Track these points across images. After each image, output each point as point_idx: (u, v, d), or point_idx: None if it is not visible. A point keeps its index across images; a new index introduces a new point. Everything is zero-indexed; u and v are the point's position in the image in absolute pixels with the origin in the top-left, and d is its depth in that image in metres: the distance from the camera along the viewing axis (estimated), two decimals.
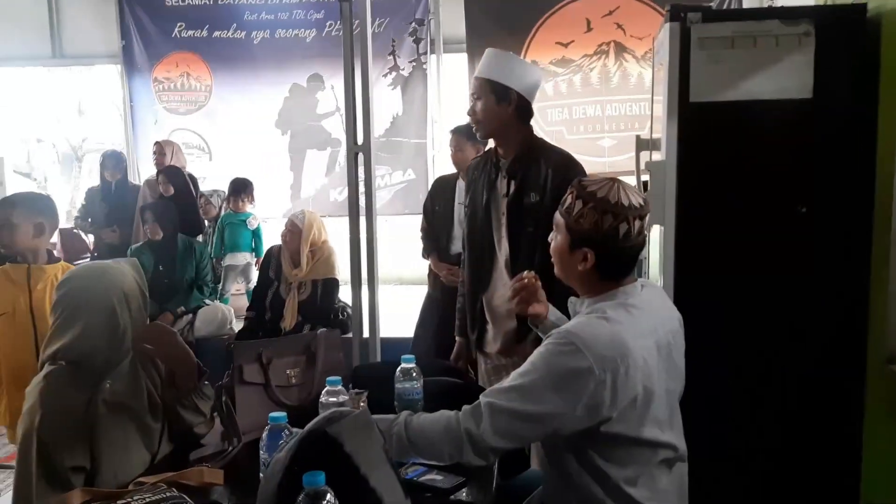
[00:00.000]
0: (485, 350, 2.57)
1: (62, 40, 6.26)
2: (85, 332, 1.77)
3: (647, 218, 1.62)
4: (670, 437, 1.63)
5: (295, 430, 1.52)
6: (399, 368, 1.85)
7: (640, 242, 1.64)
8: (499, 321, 2.49)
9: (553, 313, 1.98)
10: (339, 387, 1.69)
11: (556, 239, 1.70)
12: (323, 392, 1.69)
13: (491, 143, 2.56)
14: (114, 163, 5.42)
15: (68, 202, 10.52)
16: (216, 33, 6.09)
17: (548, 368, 1.50)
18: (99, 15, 6.16)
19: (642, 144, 2.72)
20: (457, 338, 2.72)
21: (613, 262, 1.63)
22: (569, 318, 1.81)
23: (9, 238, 2.65)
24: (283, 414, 1.47)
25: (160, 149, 5.40)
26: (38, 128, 14.62)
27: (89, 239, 5.81)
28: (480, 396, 1.55)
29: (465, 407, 1.56)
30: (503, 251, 2.44)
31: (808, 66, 2.25)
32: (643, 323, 1.60)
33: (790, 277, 2.34)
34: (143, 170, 6.15)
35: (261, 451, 1.45)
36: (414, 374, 1.84)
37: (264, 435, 1.46)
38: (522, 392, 1.50)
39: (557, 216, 1.68)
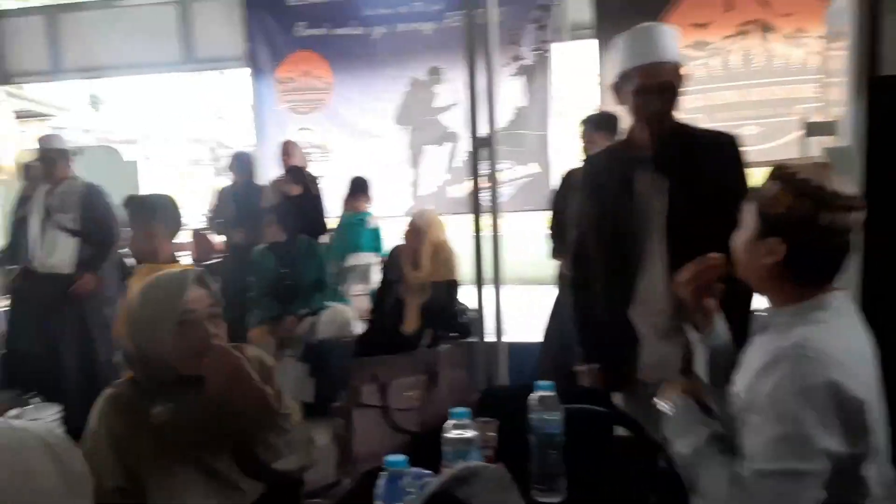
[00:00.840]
0: (631, 377, 2.15)
1: (193, 45, 6.41)
2: (132, 341, 1.63)
3: (859, 214, 1.26)
4: None
5: (414, 470, 1.31)
6: (536, 396, 1.58)
7: (845, 243, 1.28)
8: (656, 340, 2.10)
9: (722, 323, 1.58)
10: (467, 419, 1.46)
11: (741, 229, 1.37)
12: (447, 424, 1.46)
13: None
14: (239, 163, 5.49)
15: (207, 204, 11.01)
16: (336, 30, 6.06)
17: (801, 399, 1.17)
18: (226, 19, 6.26)
19: (814, 129, 2.33)
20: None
21: (808, 259, 1.28)
22: (742, 337, 1.49)
23: (131, 244, 2.78)
24: (403, 458, 1.24)
25: (286, 149, 5.40)
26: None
27: (219, 240, 5.91)
28: (743, 471, 1.22)
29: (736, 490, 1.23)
30: (657, 255, 2.07)
31: None
32: (862, 338, 1.29)
33: None
34: (271, 171, 6.20)
35: (375, 503, 1.24)
36: (552, 404, 1.57)
37: (380, 482, 1.24)
38: (790, 442, 1.17)
39: (748, 202, 1.36)
